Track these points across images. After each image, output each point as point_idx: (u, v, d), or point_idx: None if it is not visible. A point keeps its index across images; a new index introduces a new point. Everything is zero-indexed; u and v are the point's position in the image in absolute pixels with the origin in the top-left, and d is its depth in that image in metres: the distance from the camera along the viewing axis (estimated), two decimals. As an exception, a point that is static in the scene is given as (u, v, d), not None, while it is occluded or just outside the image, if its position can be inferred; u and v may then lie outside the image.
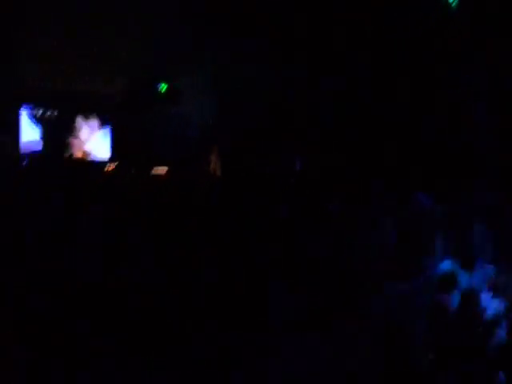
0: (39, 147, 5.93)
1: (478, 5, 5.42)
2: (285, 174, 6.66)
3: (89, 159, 6.38)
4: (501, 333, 2.83)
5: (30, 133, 5.86)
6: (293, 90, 6.95)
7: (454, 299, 2.97)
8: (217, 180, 6.80)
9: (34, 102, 6.02)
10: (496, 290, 3.10)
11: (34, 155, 5.69)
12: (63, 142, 5.99)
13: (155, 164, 6.46)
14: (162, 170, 6.69)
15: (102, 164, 6.28)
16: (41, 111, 5.92)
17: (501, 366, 2.78)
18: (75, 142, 6.26)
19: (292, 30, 6.66)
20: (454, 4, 5.45)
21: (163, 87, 6.94)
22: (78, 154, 6.30)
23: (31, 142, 5.91)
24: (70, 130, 6.22)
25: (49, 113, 6.05)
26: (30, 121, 5.88)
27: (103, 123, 6.58)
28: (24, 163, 5.17)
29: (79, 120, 6.39)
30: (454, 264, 3.20)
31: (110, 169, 6.11)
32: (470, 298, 2.93)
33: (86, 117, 6.51)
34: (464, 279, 3.13)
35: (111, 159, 6.39)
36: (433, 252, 3.83)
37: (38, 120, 5.93)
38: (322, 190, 5.67)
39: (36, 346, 2.66)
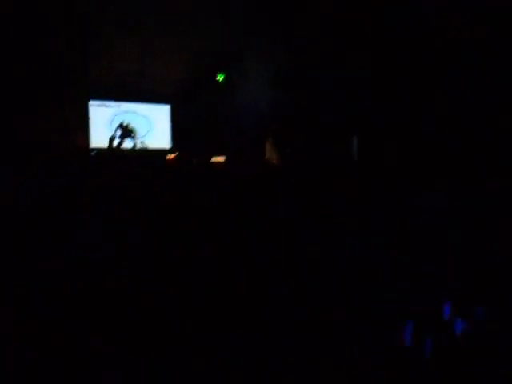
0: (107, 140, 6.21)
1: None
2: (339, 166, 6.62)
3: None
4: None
5: (98, 126, 6.15)
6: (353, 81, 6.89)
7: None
8: (272, 169, 6.85)
9: (101, 95, 6.31)
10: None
11: (101, 148, 6.00)
12: (127, 134, 6.23)
13: (214, 153, 6.63)
14: (220, 158, 6.85)
15: (162, 153, 6.51)
16: (108, 104, 6.18)
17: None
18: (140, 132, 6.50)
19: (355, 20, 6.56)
20: None
21: (221, 77, 7.06)
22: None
23: (100, 135, 6.20)
24: (135, 121, 6.46)
25: (115, 105, 6.30)
26: (98, 114, 6.15)
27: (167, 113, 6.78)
28: (93, 156, 5.47)
29: (143, 111, 6.62)
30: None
31: (171, 158, 6.32)
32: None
33: (149, 107, 6.74)
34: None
35: (172, 149, 6.60)
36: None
37: (105, 113, 6.20)
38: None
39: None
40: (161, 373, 2.65)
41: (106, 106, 6.21)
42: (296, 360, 2.79)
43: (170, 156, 6.50)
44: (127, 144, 6.01)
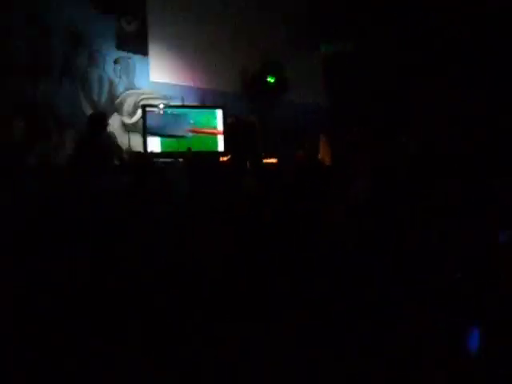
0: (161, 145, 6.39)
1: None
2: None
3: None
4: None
5: (154, 131, 6.33)
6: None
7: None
8: (325, 168, 6.79)
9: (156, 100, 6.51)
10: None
11: (158, 153, 6.17)
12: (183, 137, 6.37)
13: (267, 155, 6.68)
14: (272, 160, 6.87)
15: (216, 155, 6.61)
16: (164, 109, 6.35)
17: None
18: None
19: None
20: None
21: (272, 79, 7.10)
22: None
23: (155, 139, 6.37)
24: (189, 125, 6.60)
25: (170, 110, 6.47)
26: (153, 118, 6.33)
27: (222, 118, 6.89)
28: (151, 161, 5.63)
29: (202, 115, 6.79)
30: None
31: (225, 160, 6.40)
32: None
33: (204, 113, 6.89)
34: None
35: (225, 152, 6.68)
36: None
37: (160, 117, 6.36)
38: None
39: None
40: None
41: (161, 112, 6.38)
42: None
43: (224, 158, 6.60)
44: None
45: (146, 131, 6.19)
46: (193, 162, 5.56)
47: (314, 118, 7.41)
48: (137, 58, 6.71)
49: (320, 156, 6.95)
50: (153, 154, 6.06)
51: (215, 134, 6.75)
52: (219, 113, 6.80)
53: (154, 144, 6.34)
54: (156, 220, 3.86)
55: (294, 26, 7.55)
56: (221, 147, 6.78)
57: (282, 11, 7.61)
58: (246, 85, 7.32)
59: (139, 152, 6.13)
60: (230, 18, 7.23)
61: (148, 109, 6.33)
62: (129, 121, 6.63)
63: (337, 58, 7.67)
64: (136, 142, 6.38)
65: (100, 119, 5.13)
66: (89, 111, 6.07)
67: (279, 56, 7.45)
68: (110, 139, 5.93)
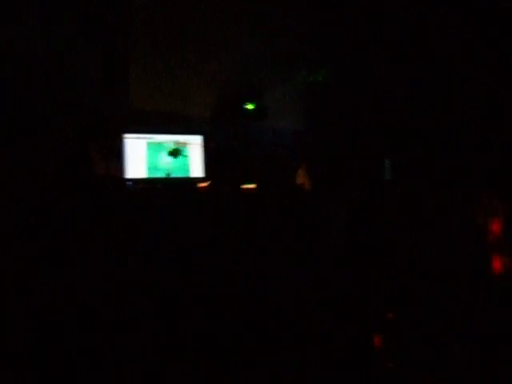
0: (142, 171, 6.37)
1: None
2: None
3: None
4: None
5: (133, 157, 6.32)
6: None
7: None
8: (304, 194, 6.85)
9: (135, 127, 6.51)
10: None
11: (137, 179, 6.15)
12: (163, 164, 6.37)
13: (246, 181, 6.69)
14: (251, 185, 6.90)
15: (196, 182, 6.61)
16: (142, 135, 6.37)
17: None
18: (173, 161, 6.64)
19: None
20: None
21: (251, 106, 7.19)
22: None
23: (135, 165, 6.36)
24: (168, 152, 6.61)
25: (149, 137, 6.48)
26: (133, 145, 6.34)
27: (199, 144, 6.91)
28: (128, 187, 5.60)
29: (178, 141, 6.79)
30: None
31: (203, 186, 6.41)
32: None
33: (183, 138, 6.90)
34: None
35: (205, 178, 6.70)
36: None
37: (139, 144, 6.37)
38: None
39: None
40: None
41: (140, 138, 6.39)
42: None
43: (202, 184, 6.60)
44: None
45: (123, 157, 6.17)
46: (170, 188, 5.57)
47: (294, 144, 7.50)
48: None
49: (298, 182, 7.01)
50: (127, 180, 6.03)
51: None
52: (200, 139, 6.84)
53: (139, 170, 6.32)
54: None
55: (275, 52, 7.70)
56: (200, 173, 6.80)
57: (263, 36, 7.75)
58: (226, 111, 7.41)
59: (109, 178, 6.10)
60: (210, 41, 7.34)
61: (127, 135, 6.34)
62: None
63: (318, 84, 7.82)
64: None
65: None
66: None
67: (259, 82, 7.58)
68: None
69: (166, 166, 6.40)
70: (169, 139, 6.71)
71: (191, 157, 6.75)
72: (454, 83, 6.31)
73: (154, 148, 6.41)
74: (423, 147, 6.48)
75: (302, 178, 7.02)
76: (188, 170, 6.65)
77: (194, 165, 6.73)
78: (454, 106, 6.28)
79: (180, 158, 6.63)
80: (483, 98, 5.98)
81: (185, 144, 6.69)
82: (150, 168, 6.33)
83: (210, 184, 6.49)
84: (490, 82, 6.05)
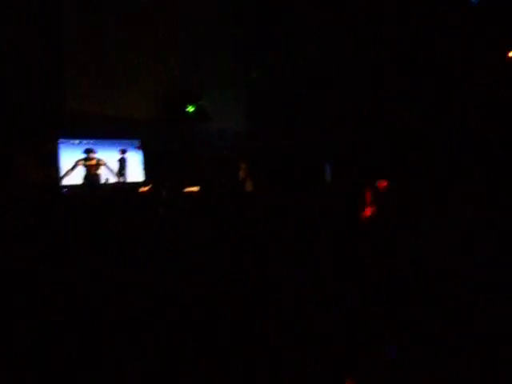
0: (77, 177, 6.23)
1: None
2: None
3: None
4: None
5: (68, 162, 6.16)
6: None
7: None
8: (247, 195, 6.92)
9: (70, 131, 6.36)
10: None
11: (73, 185, 6.00)
12: (97, 169, 6.23)
13: (188, 183, 6.67)
14: (194, 188, 6.88)
15: (136, 186, 6.53)
16: (78, 140, 6.22)
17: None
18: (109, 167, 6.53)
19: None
20: None
21: (191, 109, 7.17)
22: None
23: (70, 171, 6.21)
24: (107, 156, 6.49)
25: (85, 141, 6.34)
26: (68, 150, 6.18)
27: (137, 147, 6.84)
28: (64, 193, 5.46)
29: (117, 147, 6.69)
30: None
31: (144, 191, 6.34)
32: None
33: (122, 143, 6.80)
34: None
35: (144, 182, 6.63)
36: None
37: (74, 149, 6.22)
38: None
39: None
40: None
41: (75, 144, 6.24)
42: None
43: (144, 188, 6.52)
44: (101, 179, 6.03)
45: (58, 163, 6.02)
46: (108, 194, 5.47)
47: (236, 144, 7.54)
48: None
49: (241, 182, 7.07)
50: (63, 187, 5.88)
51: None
52: (138, 143, 6.77)
53: (76, 176, 6.17)
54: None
55: (217, 54, 7.70)
56: (140, 177, 6.73)
57: (205, 38, 7.73)
58: (167, 113, 7.34)
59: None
60: (150, 45, 7.26)
61: (62, 140, 6.18)
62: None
63: (259, 85, 7.88)
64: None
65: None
66: None
67: (201, 85, 7.57)
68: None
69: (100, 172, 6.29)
70: (110, 144, 6.61)
71: (130, 161, 6.67)
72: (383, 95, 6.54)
73: (91, 153, 6.28)
74: (358, 151, 6.71)
75: (243, 178, 7.08)
76: (126, 175, 6.56)
77: (133, 169, 6.65)
78: (385, 111, 6.51)
79: (119, 163, 6.55)
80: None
81: (124, 150, 6.61)
82: (87, 173, 6.20)
83: (150, 188, 6.42)
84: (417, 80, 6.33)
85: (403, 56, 6.44)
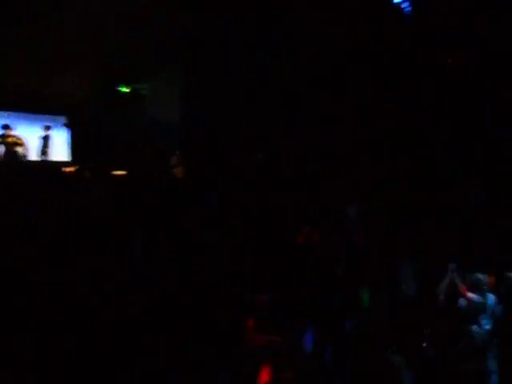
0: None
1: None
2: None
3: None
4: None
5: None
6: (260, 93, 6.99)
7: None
8: (179, 182, 6.81)
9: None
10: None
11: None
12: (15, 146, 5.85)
13: (116, 167, 6.45)
14: (121, 173, 6.66)
15: (61, 165, 6.24)
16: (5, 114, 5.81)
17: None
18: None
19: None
20: None
21: (124, 90, 6.90)
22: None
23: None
24: (30, 133, 6.13)
25: (6, 114, 5.95)
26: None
27: (64, 125, 6.51)
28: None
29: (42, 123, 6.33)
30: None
31: (68, 171, 6.07)
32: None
33: (47, 119, 6.46)
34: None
35: (71, 162, 6.34)
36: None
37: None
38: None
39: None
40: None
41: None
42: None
43: (68, 168, 6.23)
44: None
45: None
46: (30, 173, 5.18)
47: (170, 131, 7.35)
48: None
49: (174, 169, 6.93)
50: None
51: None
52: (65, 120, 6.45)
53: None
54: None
55: (153, 38, 7.40)
56: (65, 157, 6.42)
57: (141, 22, 7.44)
58: (98, 92, 6.99)
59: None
60: (82, 20, 6.85)
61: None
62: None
63: (197, 71, 7.65)
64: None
65: None
66: None
67: (137, 68, 7.27)
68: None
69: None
70: (33, 119, 6.24)
71: (55, 139, 6.31)
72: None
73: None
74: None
75: (176, 165, 6.95)
76: (50, 153, 6.20)
77: (59, 148, 6.32)
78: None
79: (43, 141, 6.19)
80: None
81: (48, 127, 6.23)
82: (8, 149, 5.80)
83: (76, 169, 6.15)
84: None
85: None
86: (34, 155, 6.09)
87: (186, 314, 3.26)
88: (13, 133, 5.54)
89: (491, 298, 3.22)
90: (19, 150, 5.50)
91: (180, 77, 7.41)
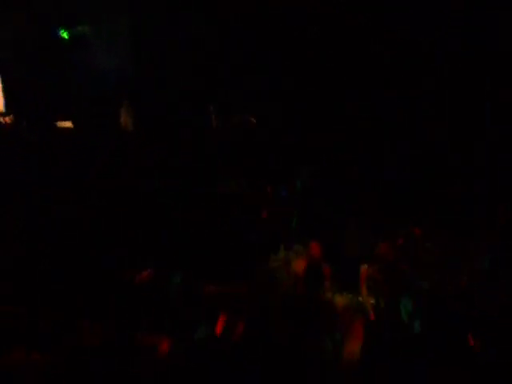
0: None
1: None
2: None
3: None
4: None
5: None
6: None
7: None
8: (127, 134, 6.48)
9: None
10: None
11: None
12: None
13: (60, 117, 6.01)
14: (67, 123, 6.24)
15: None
16: None
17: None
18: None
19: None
20: None
21: (64, 34, 6.34)
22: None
23: None
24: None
25: None
26: None
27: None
28: None
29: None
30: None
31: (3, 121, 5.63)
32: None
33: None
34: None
35: (4, 112, 5.84)
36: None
37: None
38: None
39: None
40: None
41: None
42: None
43: (5, 119, 5.77)
44: None
45: None
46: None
47: (118, 82, 6.89)
48: None
49: (122, 121, 6.55)
50: None
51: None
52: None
53: None
54: None
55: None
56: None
57: None
58: (36, 36, 6.34)
59: None
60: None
61: None
62: None
63: (146, 20, 7.18)
64: None
65: None
66: None
67: (80, 6, 6.65)
68: None
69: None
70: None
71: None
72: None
73: None
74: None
75: (124, 117, 6.57)
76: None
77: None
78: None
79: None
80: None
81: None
82: None
83: (12, 119, 5.69)
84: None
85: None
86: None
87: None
88: None
89: None
90: None
91: (128, 18, 6.88)
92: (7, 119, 5.69)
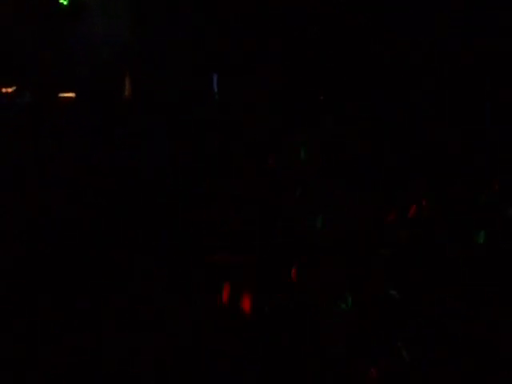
0: None
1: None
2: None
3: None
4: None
5: None
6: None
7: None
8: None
9: None
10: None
11: None
12: None
13: (61, 88, 5.97)
14: (69, 94, 6.21)
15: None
16: None
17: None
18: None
19: None
20: None
21: (64, 1, 6.21)
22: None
23: None
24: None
25: None
26: None
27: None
28: None
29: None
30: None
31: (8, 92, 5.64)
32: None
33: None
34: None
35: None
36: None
37: None
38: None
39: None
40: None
41: None
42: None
43: (7, 90, 5.76)
44: None
45: None
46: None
47: (119, 52, 6.78)
48: None
49: (126, 92, 6.51)
50: None
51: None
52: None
53: None
54: None
55: None
56: None
57: None
58: (32, 7, 6.24)
59: None
60: None
61: None
62: None
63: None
64: None
65: None
66: None
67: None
68: None
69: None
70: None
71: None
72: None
73: None
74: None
75: (128, 85, 6.53)
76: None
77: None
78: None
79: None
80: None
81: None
82: None
83: (13, 91, 5.69)
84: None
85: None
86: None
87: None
88: None
89: None
90: None
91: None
92: (9, 90, 5.69)
